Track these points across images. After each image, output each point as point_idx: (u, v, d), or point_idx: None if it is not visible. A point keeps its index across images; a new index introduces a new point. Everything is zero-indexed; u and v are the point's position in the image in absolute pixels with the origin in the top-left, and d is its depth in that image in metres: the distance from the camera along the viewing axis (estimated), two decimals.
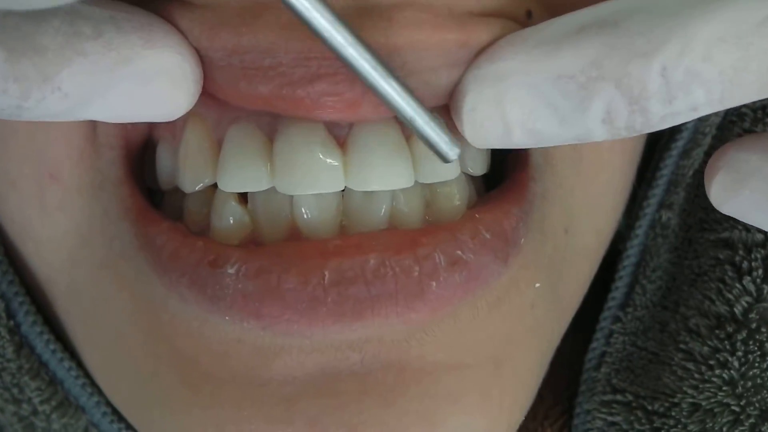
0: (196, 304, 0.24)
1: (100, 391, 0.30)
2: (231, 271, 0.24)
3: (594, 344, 0.34)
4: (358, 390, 0.24)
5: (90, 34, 0.19)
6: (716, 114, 0.32)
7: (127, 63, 0.20)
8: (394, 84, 0.21)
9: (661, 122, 0.19)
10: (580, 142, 0.20)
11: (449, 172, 0.27)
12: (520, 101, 0.20)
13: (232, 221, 0.26)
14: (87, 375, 0.30)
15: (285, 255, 0.24)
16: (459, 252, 0.24)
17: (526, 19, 0.24)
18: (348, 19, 0.21)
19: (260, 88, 0.23)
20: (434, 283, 0.24)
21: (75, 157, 0.26)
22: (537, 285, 0.27)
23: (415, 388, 0.24)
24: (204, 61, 0.23)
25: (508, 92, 0.20)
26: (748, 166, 0.20)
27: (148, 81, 0.21)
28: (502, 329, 0.26)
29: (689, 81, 0.18)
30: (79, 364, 0.30)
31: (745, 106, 0.32)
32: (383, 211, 0.27)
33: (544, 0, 0.25)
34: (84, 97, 0.20)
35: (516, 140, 0.21)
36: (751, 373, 0.30)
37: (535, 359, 0.28)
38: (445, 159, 0.22)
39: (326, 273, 0.23)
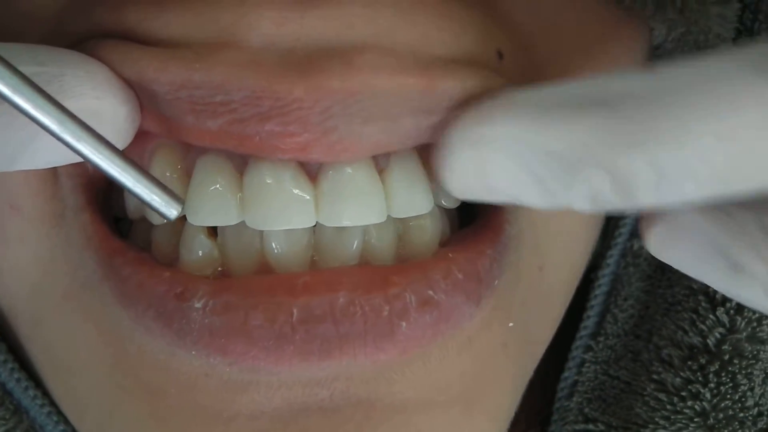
0: (162, 337, 0.24)
1: (66, 420, 0.29)
2: (198, 305, 0.23)
3: (566, 373, 0.34)
4: (326, 426, 0.23)
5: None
6: None
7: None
8: (101, 147, 0.20)
9: (646, 205, 0.18)
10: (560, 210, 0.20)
11: (423, 206, 0.27)
12: (504, 169, 0.20)
13: (201, 254, 0.26)
14: (53, 403, 0.29)
15: (253, 290, 0.23)
16: (430, 292, 0.24)
17: (497, 60, 0.24)
18: (309, 61, 0.21)
19: (208, 123, 0.22)
20: (404, 324, 0.23)
21: (35, 187, 0.25)
22: (510, 324, 0.26)
23: (385, 425, 0.24)
24: (152, 95, 0.22)
25: (493, 159, 0.20)
26: (684, 219, 0.20)
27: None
28: (473, 368, 0.25)
29: (681, 176, 0.17)
30: (45, 393, 0.29)
31: None
32: (355, 246, 0.26)
33: (516, 39, 0.25)
34: (6, 154, 0.20)
35: (496, 200, 0.21)
36: (723, 404, 0.30)
37: (506, 396, 0.27)
38: (166, 217, 0.22)
39: (294, 310, 0.23)
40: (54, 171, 0.25)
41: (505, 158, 0.19)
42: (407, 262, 0.27)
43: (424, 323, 0.23)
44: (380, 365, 0.24)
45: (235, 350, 0.23)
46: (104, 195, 0.28)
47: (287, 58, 0.22)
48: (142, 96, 0.23)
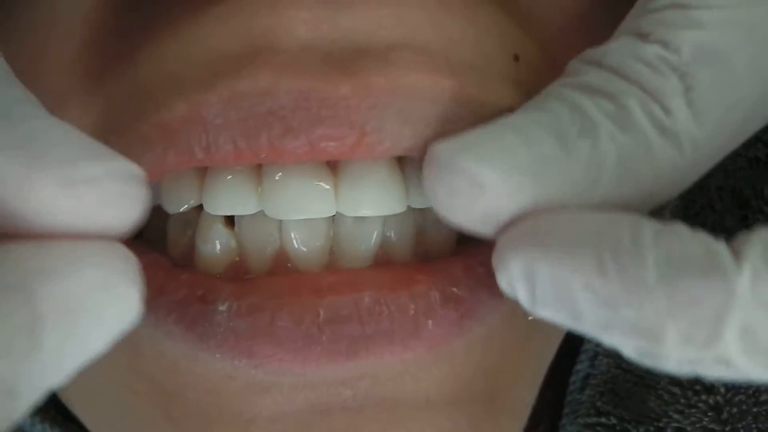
0: (183, 341, 0.23)
1: (52, 419, 0.30)
2: (222, 308, 0.23)
3: (579, 366, 0.34)
4: (350, 427, 0.23)
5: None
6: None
7: None
8: None
9: None
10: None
11: None
12: (548, 283, 0.19)
13: (218, 246, 0.25)
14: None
15: (278, 292, 0.23)
16: (454, 288, 0.23)
17: (513, 64, 0.24)
18: (348, 61, 0.21)
19: (261, 138, 0.22)
20: (430, 321, 0.23)
21: None
22: (530, 317, 0.26)
23: (410, 424, 0.23)
24: (192, 130, 0.22)
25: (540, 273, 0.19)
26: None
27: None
28: (497, 364, 0.25)
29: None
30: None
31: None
32: (374, 237, 0.26)
33: (533, 40, 0.25)
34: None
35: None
36: (736, 399, 0.30)
37: (528, 391, 0.27)
38: None
39: (321, 311, 0.22)
40: None
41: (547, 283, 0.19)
42: (428, 257, 0.26)
43: (449, 320, 0.23)
44: (406, 363, 0.23)
45: (261, 352, 0.22)
46: None
47: (327, 59, 0.22)
48: (181, 140, 0.22)
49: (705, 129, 0.20)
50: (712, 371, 0.18)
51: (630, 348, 0.19)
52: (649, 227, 0.18)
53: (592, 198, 0.20)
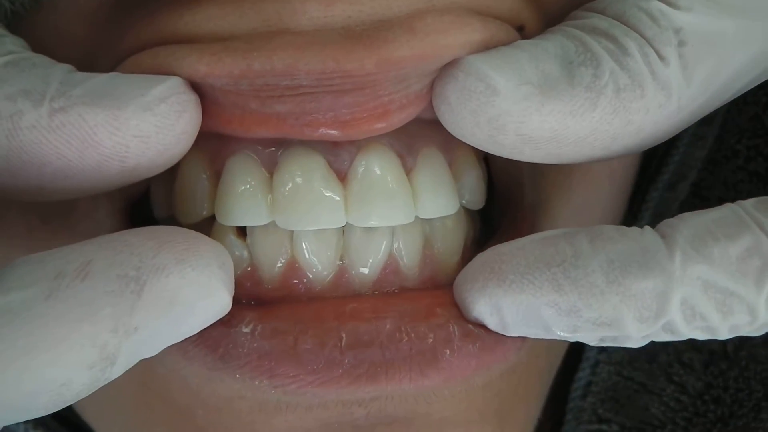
0: (201, 362, 0.23)
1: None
2: (246, 330, 0.23)
3: (580, 374, 0.34)
4: None
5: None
6: (702, 147, 0.33)
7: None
8: None
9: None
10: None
11: (449, 207, 0.27)
12: (515, 311, 0.22)
13: (231, 256, 0.26)
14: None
15: (301, 317, 0.23)
16: (470, 326, 0.23)
17: (518, 35, 0.24)
18: (370, 35, 0.21)
19: (276, 107, 0.22)
20: (448, 351, 0.23)
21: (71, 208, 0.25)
22: None
23: None
24: (205, 93, 0.22)
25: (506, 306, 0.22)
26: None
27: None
28: (510, 387, 0.25)
29: None
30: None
31: (739, 143, 0.32)
32: (383, 247, 0.26)
33: (539, 11, 0.25)
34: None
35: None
36: (740, 412, 0.31)
37: (535, 405, 0.28)
38: None
39: (343, 335, 0.23)
40: (95, 197, 0.25)
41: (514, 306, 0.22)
42: (435, 270, 0.27)
43: (468, 352, 0.23)
44: (422, 389, 0.23)
45: (284, 372, 0.23)
46: (135, 205, 0.28)
47: (347, 34, 0.21)
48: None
49: (692, 83, 0.21)
50: (662, 338, 0.22)
51: (593, 340, 0.22)
52: (583, 236, 0.22)
53: (588, 120, 0.21)
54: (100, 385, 0.19)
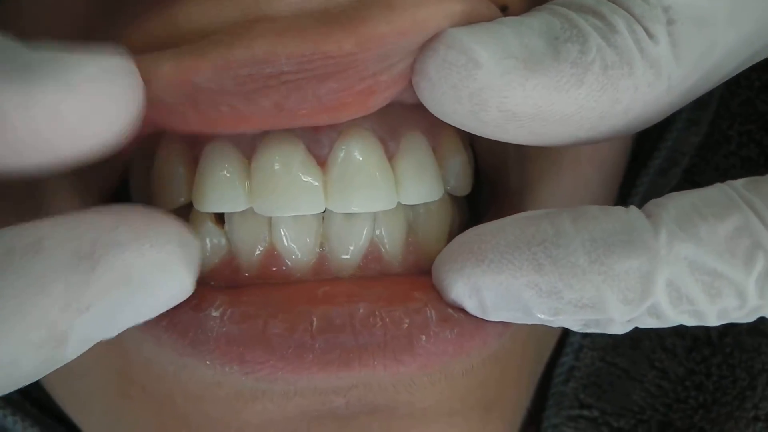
0: (172, 348, 0.23)
1: (37, 419, 0.30)
2: (215, 314, 0.22)
3: (563, 359, 0.34)
4: None
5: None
6: (697, 133, 0.32)
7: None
8: None
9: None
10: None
11: (433, 193, 0.26)
12: (494, 292, 0.21)
13: (208, 244, 0.25)
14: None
15: (272, 300, 0.23)
16: (450, 310, 0.23)
17: (500, 14, 0.24)
18: (348, 15, 0.20)
19: (262, 101, 0.21)
20: (423, 337, 0.22)
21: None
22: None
23: None
24: (189, 95, 0.21)
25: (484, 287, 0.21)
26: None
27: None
28: (494, 375, 0.25)
29: None
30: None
31: (731, 128, 0.32)
32: (365, 233, 0.26)
33: None
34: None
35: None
36: (723, 399, 0.31)
37: (524, 395, 0.27)
38: None
39: (314, 319, 0.22)
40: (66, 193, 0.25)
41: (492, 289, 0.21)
42: (420, 257, 0.26)
43: (445, 339, 0.23)
44: (400, 376, 0.23)
45: (253, 359, 0.22)
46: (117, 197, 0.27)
47: (325, 17, 0.21)
48: (177, 101, 0.22)
49: (682, 62, 0.21)
50: (649, 324, 0.21)
51: (576, 324, 0.21)
52: (566, 215, 0.21)
53: (575, 97, 0.20)
54: (55, 367, 0.19)
